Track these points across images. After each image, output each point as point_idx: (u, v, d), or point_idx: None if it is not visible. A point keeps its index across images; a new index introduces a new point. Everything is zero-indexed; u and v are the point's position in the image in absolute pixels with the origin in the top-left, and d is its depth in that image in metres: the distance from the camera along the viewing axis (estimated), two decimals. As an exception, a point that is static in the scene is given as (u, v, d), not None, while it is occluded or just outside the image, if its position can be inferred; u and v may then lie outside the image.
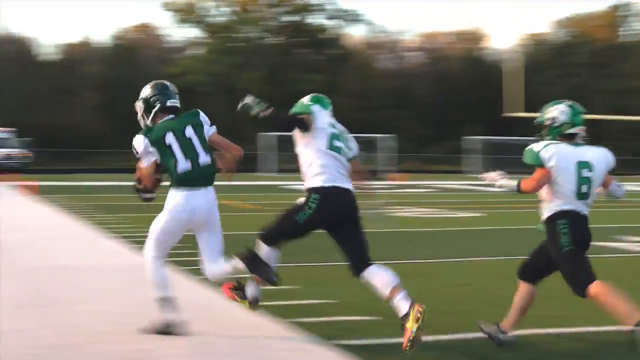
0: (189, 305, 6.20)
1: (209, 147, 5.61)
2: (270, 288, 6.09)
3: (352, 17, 73.38)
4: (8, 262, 9.27)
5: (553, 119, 5.34)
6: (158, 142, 5.49)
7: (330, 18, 73.47)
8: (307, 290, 7.63)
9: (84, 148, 59.72)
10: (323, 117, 5.70)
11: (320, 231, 5.66)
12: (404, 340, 5.06)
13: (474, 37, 79.23)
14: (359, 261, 5.47)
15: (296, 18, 72.59)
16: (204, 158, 5.53)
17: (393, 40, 78.84)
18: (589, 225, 5.30)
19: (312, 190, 5.50)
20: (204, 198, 5.49)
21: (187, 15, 71.58)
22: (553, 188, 5.22)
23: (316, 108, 5.70)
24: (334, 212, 5.45)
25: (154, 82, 5.84)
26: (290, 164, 53.15)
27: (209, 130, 5.72)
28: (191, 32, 78.90)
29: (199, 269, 6.03)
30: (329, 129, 5.65)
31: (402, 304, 5.15)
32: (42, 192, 23.35)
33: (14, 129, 50.93)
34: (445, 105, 69.93)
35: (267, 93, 64.25)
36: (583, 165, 5.19)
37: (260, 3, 71.21)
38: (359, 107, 66.02)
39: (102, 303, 6.93)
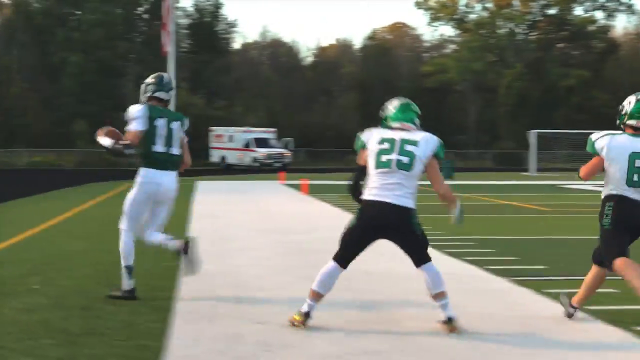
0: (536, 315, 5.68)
1: (180, 144, 6.64)
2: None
3: (619, 8, 67.91)
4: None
5: (622, 108, 5.70)
6: (151, 119, 6.42)
7: (595, 9, 68.56)
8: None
9: (340, 147, 60.69)
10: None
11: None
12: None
13: None
14: None
15: (555, 12, 68.53)
16: (175, 149, 6.58)
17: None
18: None
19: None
20: (169, 178, 6.54)
21: (440, 13, 70.31)
22: (607, 174, 5.61)
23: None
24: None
25: (157, 73, 6.85)
26: (549, 163, 50.42)
27: (182, 133, 6.72)
28: (445, 30, 77.72)
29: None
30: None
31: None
32: (312, 191, 22.99)
33: (274, 129, 52.79)
34: None
35: (524, 90, 61.40)
36: (637, 156, 5.48)
37: (516, -3, 68.10)
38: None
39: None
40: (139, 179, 6.48)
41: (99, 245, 9.91)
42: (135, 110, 6.41)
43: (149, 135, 6.39)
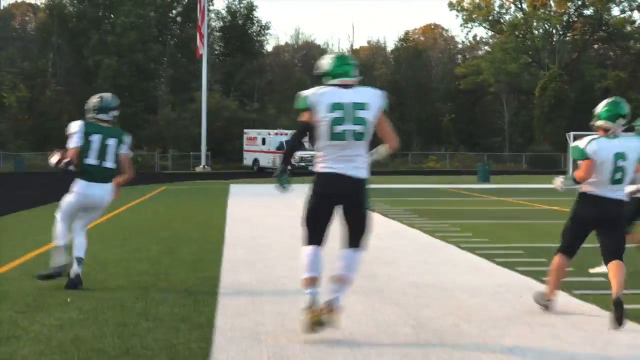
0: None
1: (117, 159, 7.30)
2: None
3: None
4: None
5: (594, 111, 6.26)
6: (86, 134, 7.15)
7: (632, 10, 67.33)
8: None
9: (371, 149, 60.03)
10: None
11: None
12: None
13: None
14: None
15: (591, 12, 67.34)
16: (108, 163, 7.24)
17: None
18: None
19: None
20: (100, 190, 7.23)
21: (473, 14, 69.48)
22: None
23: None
24: None
25: (100, 95, 7.49)
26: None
27: (124, 149, 7.37)
28: (479, 32, 76.85)
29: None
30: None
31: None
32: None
33: (307, 131, 52.45)
34: None
35: (560, 91, 60.35)
36: (619, 156, 5.97)
37: (552, -2, 67.04)
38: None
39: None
40: (73, 188, 7.26)
41: (134, 254, 9.59)
42: (72, 128, 7.19)
43: (83, 149, 7.12)
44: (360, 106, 5.20)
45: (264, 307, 6.37)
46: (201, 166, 50.95)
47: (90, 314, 5.99)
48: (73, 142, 7.13)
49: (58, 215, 7.41)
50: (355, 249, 5.47)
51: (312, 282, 5.27)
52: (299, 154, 46.15)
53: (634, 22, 67.30)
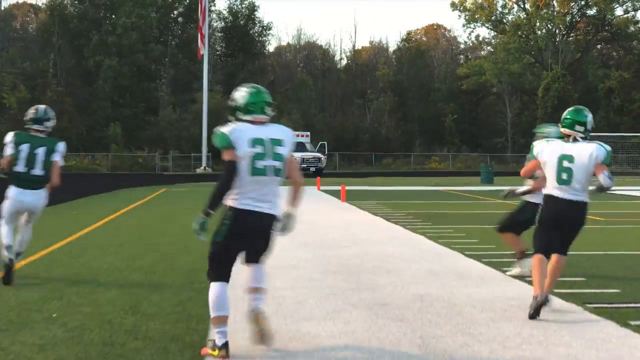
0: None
1: (48, 166, 7.72)
2: None
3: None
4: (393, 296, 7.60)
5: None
6: (16, 144, 7.67)
7: (636, 10, 66.94)
8: None
9: (374, 151, 59.81)
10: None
11: None
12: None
13: None
14: None
15: (594, 12, 66.97)
16: (37, 171, 7.68)
17: None
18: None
19: None
20: (31, 196, 7.73)
21: (476, 14, 69.10)
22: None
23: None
24: None
25: (35, 107, 8.10)
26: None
27: (55, 157, 7.79)
28: (481, 32, 76.49)
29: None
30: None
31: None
32: (349, 198, 22.14)
33: (308, 132, 52.09)
34: None
35: (563, 91, 59.92)
36: (564, 157, 6.45)
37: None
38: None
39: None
40: (7, 194, 7.72)
41: (127, 262, 9.23)
42: (6, 138, 7.72)
43: (13, 157, 7.63)
44: (278, 142, 5.13)
45: (261, 324, 6.00)
46: (202, 167, 50.61)
47: (76, 332, 5.63)
48: (6, 151, 7.69)
49: (2, 221, 7.84)
50: (259, 264, 5.51)
51: (222, 320, 5.08)
52: (299, 155, 45.81)
53: (637, 22, 66.86)
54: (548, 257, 6.52)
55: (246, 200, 5.06)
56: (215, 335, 5.07)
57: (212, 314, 5.11)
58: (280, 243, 11.33)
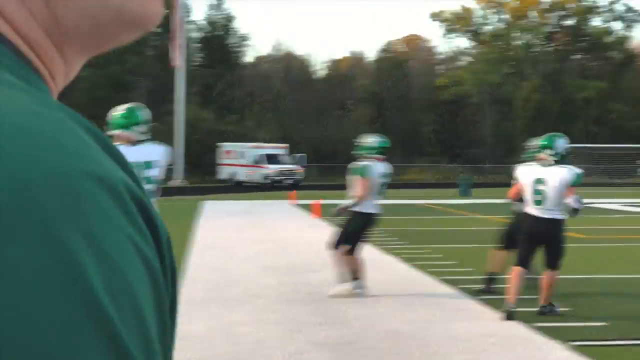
0: None
1: None
2: None
3: (637, 19, 66.57)
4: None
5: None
6: None
7: (613, 20, 67.22)
8: None
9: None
10: None
11: None
12: None
13: None
14: None
15: (572, 22, 67.19)
16: None
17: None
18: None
19: None
20: None
21: (455, 25, 69.11)
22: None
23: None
24: None
25: None
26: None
27: None
28: (460, 42, 76.57)
29: None
30: None
31: None
32: (324, 213, 21.28)
33: (286, 144, 51.50)
34: None
35: (541, 102, 59.98)
36: (538, 180, 7.25)
37: (533, 9, 66.78)
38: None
39: None
40: None
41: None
42: None
43: None
44: (148, 165, 4.91)
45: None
46: (178, 180, 49.89)
47: None
48: None
49: None
50: None
51: None
52: (276, 167, 45.21)
53: (612, 32, 67.14)
54: (527, 268, 7.31)
55: None
56: None
57: None
58: (246, 267, 10.82)
